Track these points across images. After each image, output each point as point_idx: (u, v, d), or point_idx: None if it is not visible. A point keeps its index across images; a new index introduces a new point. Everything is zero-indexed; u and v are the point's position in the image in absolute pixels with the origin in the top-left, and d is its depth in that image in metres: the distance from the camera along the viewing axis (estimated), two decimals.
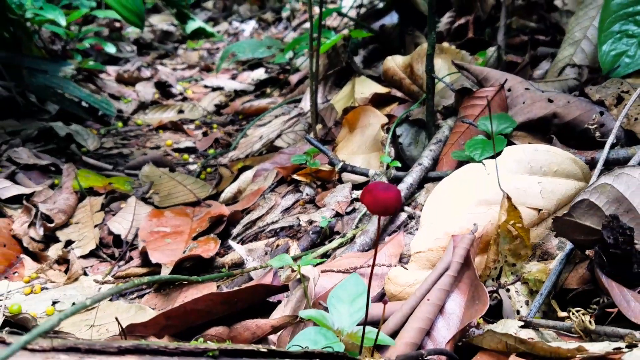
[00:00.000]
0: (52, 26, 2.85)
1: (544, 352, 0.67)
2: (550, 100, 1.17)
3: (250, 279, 1.19)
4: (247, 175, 1.70)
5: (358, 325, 0.74)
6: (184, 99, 3.05)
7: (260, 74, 3.58)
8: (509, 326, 0.78)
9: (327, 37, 2.16)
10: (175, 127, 2.56)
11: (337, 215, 1.24)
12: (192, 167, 2.15)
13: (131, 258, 1.42)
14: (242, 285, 1.20)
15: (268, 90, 3.08)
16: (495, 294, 0.89)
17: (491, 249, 0.90)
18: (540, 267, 0.94)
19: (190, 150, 2.33)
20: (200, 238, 1.42)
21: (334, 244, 1.14)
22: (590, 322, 0.72)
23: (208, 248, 1.34)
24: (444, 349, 0.71)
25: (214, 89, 3.28)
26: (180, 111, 2.80)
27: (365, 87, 1.88)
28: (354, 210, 1.24)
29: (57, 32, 2.90)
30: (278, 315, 0.87)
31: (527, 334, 0.79)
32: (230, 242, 1.27)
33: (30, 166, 1.87)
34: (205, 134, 2.52)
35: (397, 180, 1.27)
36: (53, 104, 2.53)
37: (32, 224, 1.48)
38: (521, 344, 0.68)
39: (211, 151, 2.31)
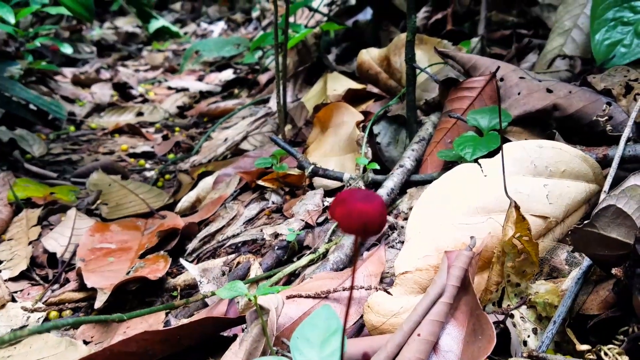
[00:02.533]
0: (1, 25, 2.61)
1: None
2: (549, 91, 1.02)
3: (206, 305, 1.01)
4: (207, 181, 1.51)
5: None
6: (145, 101, 2.84)
7: (228, 75, 3.39)
8: None
9: (296, 31, 1.99)
10: (133, 130, 2.35)
11: (307, 226, 1.06)
12: (148, 174, 1.95)
13: (67, 280, 1.22)
14: (193, 314, 1.01)
15: (236, 91, 2.89)
16: (500, 324, 0.72)
17: (494, 269, 0.74)
18: (550, 287, 0.78)
19: (147, 156, 2.12)
20: (148, 256, 1.22)
21: (303, 261, 0.96)
22: None
23: (157, 268, 1.15)
24: None
25: (178, 91, 3.07)
26: (140, 113, 2.58)
27: (338, 84, 1.72)
28: (326, 220, 1.06)
29: (6, 30, 2.66)
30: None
31: None
32: (183, 262, 1.08)
33: None
34: (165, 138, 2.31)
35: (375, 184, 1.10)
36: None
37: None
38: None
39: (171, 156, 2.11)
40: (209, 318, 0.76)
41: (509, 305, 0.77)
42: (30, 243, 1.33)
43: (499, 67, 1.00)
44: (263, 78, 2.74)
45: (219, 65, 3.65)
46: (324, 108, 1.43)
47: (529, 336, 0.75)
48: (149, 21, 3.52)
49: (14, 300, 1.16)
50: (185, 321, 0.82)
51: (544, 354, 0.68)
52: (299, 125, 1.62)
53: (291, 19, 3.32)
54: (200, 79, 3.45)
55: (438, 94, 1.18)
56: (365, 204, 0.38)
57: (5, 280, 1.19)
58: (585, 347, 0.69)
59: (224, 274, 1.03)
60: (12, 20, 2.65)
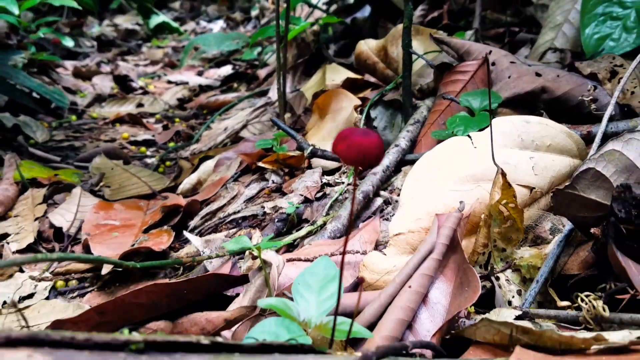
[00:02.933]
0: (3, 15, 2.64)
1: (553, 343, 0.55)
2: (538, 75, 1.08)
3: (206, 270, 1.05)
4: (208, 165, 1.56)
5: (328, 315, 0.61)
6: (145, 93, 2.88)
7: (227, 70, 3.43)
8: (504, 316, 0.67)
9: (295, 24, 2.04)
10: (134, 120, 2.39)
11: (306, 201, 1.11)
12: (149, 161, 1.99)
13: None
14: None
15: (235, 85, 2.94)
16: (484, 282, 0.77)
17: (481, 232, 0.79)
18: (534, 252, 0.83)
19: (148, 144, 2.16)
20: (152, 230, 1.27)
21: (302, 232, 1.01)
22: (604, 308, 0.61)
23: (160, 241, 1.19)
24: (429, 342, 0.59)
25: (178, 84, 3.12)
26: (140, 105, 2.63)
27: (336, 74, 1.77)
28: (324, 195, 1.11)
29: (9, 20, 2.70)
30: (234, 307, 0.73)
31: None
32: (186, 233, 1.12)
33: None
34: (166, 128, 2.35)
35: None
36: (1, 96, 2.33)
37: None
38: (524, 334, 0.57)
39: (171, 144, 2.15)
40: (214, 274, 0.80)
41: (495, 268, 0.83)
42: (36, 219, 1.37)
43: (490, 51, 1.05)
44: (262, 72, 2.79)
45: (218, 61, 3.70)
46: (323, 95, 1.48)
47: (513, 297, 0.80)
48: (149, 17, 3.57)
49: (21, 270, 1.20)
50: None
51: (528, 309, 0.73)
52: (298, 113, 1.67)
53: (290, 14, 3.38)
54: (200, 74, 3.50)
55: (433, 79, 1.23)
56: (363, 138, 0.43)
57: (13, 252, 1.23)
58: (565, 303, 0.74)
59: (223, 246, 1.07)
60: (16, 12, 2.69)
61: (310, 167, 1.33)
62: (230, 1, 5.37)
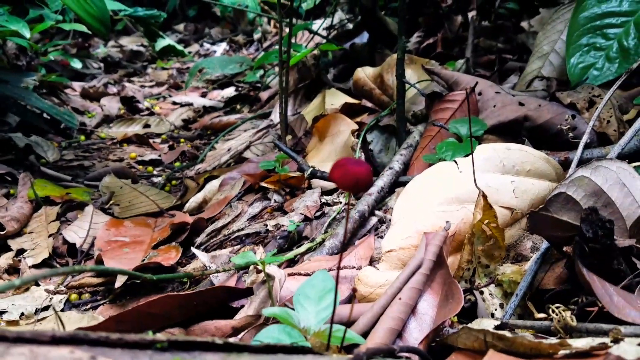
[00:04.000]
0: (15, 38, 2.75)
1: (524, 348, 0.63)
2: (521, 104, 1.16)
3: (212, 284, 1.12)
4: (213, 184, 1.64)
5: (326, 323, 0.69)
6: (151, 114, 2.98)
7: (230, 92, 3.54)
8: (484, 326, 0.74)
9: (297, 51, 2.14)
10: (141, 140, 2.48)
11: (306, 219, 1.18)
12: (156, 180, 2.07)
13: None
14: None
15: (238, 106, 3.04)
16: (469, 296, 0.85)
17: (465, 249, 0.86)
18: (515, 268, 0.91)
19: (155, 163, 2.25)
20: (160, 247, 1.34)
21: (302, 248, 1.08)
22: (571, 318, 0.68)
23: (169, 256, 1.26)
24: (416, 347, 0.66)
25: (183, 105, 3.22)
26: (147, 125, 2.72)
27: (335, 99, 1.86)
28: (323, 214, 1.19)
29: (21, 44, 2.81)
30: (240, 316, 0.80)
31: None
32: (193, 250, 1.20)
33: None
34: (171, 148, 2.44)
35: None
36: (13, 116, 2.43)
37: None
38: (499, 340, 0.64)
39: (177, 164, 2.24)
40: (222, 287, 0.88)
41: (479, 283, 0.90)
42: (50, 236, 1.45)
43: (477, 83, 1.14)
44: (264, 95, 2.89)
45: (221, 83, 3.81)
46: (322, 119, 1.57)
47: (496, 309, 0.88)
48: (155, 40, 3.68)
49: (37, 284, 1.27)
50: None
51: (507, 320, 0.80)
52: (298, 135, 1.75)
53: (292, 41, 3.49)
54: (204, 95, 3.60)
55: (424, 107, 1.32)
56: (357, 166, 0.51)
57: (30, 267, 1.30)
58: (542, 315, 0.82)
59: (230, 260, 1.15)
60: (28, 35, 2.80)
61: (310, 187, 1.41)
62: (233, 24, 5.51)
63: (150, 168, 2.15)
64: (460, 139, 1.11)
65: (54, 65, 3.54)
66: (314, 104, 1.93)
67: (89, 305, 1.21)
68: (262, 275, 0.95)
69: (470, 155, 0.92)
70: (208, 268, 1.15)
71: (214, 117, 2.89)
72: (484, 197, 0.85)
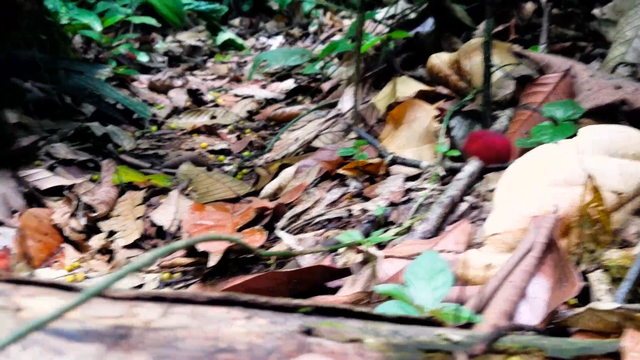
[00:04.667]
0: (87, 31, 2.89)
1: None
2: (617, 87, 1.12)
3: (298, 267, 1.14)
4: (288, 172, 1.66)
5: (442, 302, 0.69)
6: (216, 106, 3.05)
7: (289, 84, 3.58)
8: (605, 307, 0.72)
9: (365, 40, 2.14)
10: (209, 131, 2.55)
11: (392, 204, 1.19)
12: (227, 168, 2.13)
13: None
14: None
15: (299, 98, 3.07)
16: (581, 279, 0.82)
17: (574, 232, 0.84)
18: (623, 253, 0.88)
19: (225, 152, 2.31)
20: (244, 230, 1.38)
21: (391, 233, 1.08)
22: None
23: (254, 239, 1.30)
24: (542, 327, 0.65)
25: (245, 98, 3.28)
26: (213, 117, 2.79)
27: (406, 87, 1.85)
28: (408, 200, 1.19)
29: (92, 37, 2.94)
30: (346, 293, 0.81)
31: None
32: (278, 232, 1.22)
33: (69, 161, 1.86)
34: (239, 138, 2.50)
35: (454, 171, 1.21)
36: (88, 106, 2.54)
37: (72, 215, 1.46)
38: (629, 320, 0.62)
39: (246, 153, 2.28)
40: (321, 266, 0.89)
41: (586, 268, 0.88)
42: (137, 219, 1.51)
43: (571, 66, 1.11)
44: (325, 86, 2.90)
45: (280, 75, 3.85)
46: (398, 106, 1.56)
47: (603, 295, 0.85)
48: (216, 34, 3.78)
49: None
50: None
51: (624, 304, 0.78)
52: (370, 124, 1.75)
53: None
54: (263, 87, 3.65)
55: (512, 91, 1.29)
56: (498, 138, 0.51)
57: (122, 247, 1.37)
58: None
59: (317, 243, 1.17)
60: (99, 28, 2.94)
61: (388, 173, 1.41)
62: (289, 18, 5.56)
63: (221, 157, 2.21)
64: (556, 122, 1.08)
65: (120, 59, 3.68)
66: (384, 92, 1.92)
67: (180, 284, 1.25)
68: (357, 256, 0.96)
69: (575, 137, 0.90)
70: (294, 250, 1.17)
71: (276, 108, 2.92)
72: (592, 180, 0.83)
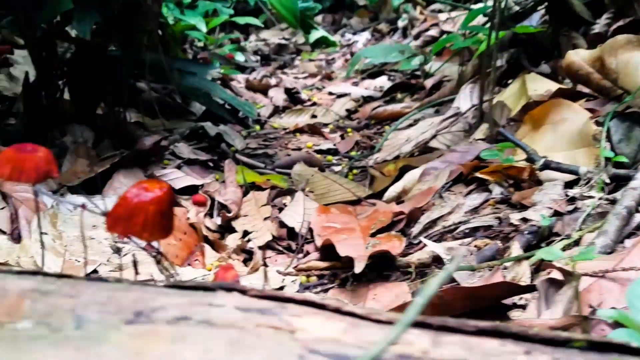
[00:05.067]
0: (193, 32, 2.97)
1: None
2: None
3: (453, 280, 1.09)
4: (414, 174, 1.61)
5: None
6: (314, 104, 3.05)
7: (383, 81, 3.52)
8: None
9: (486, 34, 2.04)
10: (312, 130, 2.54)
11: (556, 214, 1.10)
12: (336, 169, 2.11)
13: (307, 252, 1.37)
14: (443, 288, 1.10)
15: (398, 95, 3.00)
16: None
17: None
18: None
19: (331, 152, 2.29)
20: (379, 235, 1.34)
21: (559, 246, 1.00)
22: None
23: (393, 245, 1.25)
24: None
25: (340, 96, 3.25)
26: (314, 116, 2.79)
27: (538, 84, 1.74)
28: (575, 209, 1.10)
29: (198, 37, 3.02)
30: (541, 315, 0.75)
31: None
32: (423, 240, 1.17)
33: (191, 161, 1.91)
34: (342, 137, 2.47)
35: (619, 178, 1.11)
36: (195, 105, 2.61)
37: (207, 214, 1.48)
38: None
39: (353, 153, 2.26)
40: (505, 282, 0.83)
41: None
42: (265, 219, 1.52)
43: None
44: (428, 83, 2.82)
45: (371, 72, 3.80)
46: (540, 106, 1.46)
47: None
48: (309, 32, 3.77)
49: (265, 265, 1.33)
50: (480, 284, 0.90)
51: None
52: (500, 124, 1.66)
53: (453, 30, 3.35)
54: (355, 85, 3.61)
55: None
56: None
57: (259, 247, 1.37)
58: None
59: (471, 253, 1.11)
60: (204, 29, 3.01)
61: (532, 178, 1.32)
62: (374, 13, 5.49)
63: (329, 157, 2.19)
64: None
65: (218, 59, 3.78)
66: (511, 90, 1.82)
67: (319, 288, 1.24)
68: (526, 271, 0.89)
69: None
70: (445, 260, 1.11)
71: (374, 106, 2.88)
72: None
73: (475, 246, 1.16)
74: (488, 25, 2.60)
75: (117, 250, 1.36)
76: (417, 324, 0.46)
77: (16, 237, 1.34)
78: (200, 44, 3.89)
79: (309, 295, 0.48)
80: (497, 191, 1.30)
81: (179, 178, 1.63)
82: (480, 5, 3.09)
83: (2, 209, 1.42)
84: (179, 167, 1.77)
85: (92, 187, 1.61)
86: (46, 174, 0.52)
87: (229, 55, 3.56)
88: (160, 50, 2.06)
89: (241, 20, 2.96)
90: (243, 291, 0.49)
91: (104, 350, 0.40)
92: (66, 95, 2.03)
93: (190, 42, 3.69)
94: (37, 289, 0.46)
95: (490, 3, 2.92)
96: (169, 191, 0.53)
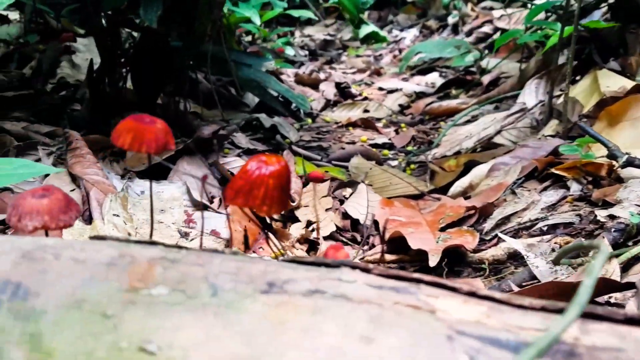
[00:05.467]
0: (247, 24, 2.99)
1: None
2: None
3: (533, 277, 1.05)
4: (481, 169, 1.56)
5: None
6: (365, 99, 3.02)
7: (434, 77, 3.46)
8: None
9: (554, 29, 1.97)
10: (366, 124, 2.52)
11: None
12: (392, 163, 2.07)
13: (372, 244, 1.35)
14: (521, 284, 1.06)
15: (453, 91, 2.94)
16: None
17: None
18: None
19: (386, 146, 2.26)
20: (449, 230, 1.31)
21: None
22: None
23: (465, 240, 1.22)
24: None
25: (390, 91, 3.22)
26: (366, 110, 2.76)
27: (610, 80, 1.66)
28: None
29: (251, 30, 3.04)
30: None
31: None
32: (501, 235, 1.13)
33: (249, 151, 1.91)
34: (397, 132, 2.44)
35: None
36: (248, 97, 2.63)
37: None
38: None
39: (409, 148, 2.22)
40: (601, 279, 0.79)
41: None
42: (326, 210, 1.50)
43: None
44: (486, 79, 2.75)
45: (421, 69, 3.74)
46: (618, 102, 1.39)
47: None
48: (359, 27, 3.75)
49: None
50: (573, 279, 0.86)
51: None
52: (572, 120, 1.59)
53: (516, 25, 3.26)
54: (405, 81, 3.56)
55: None
56: None
57: (324, 238, 1.36)
58: None
59: (553, 250, 1.06)
60: (258, 21, 3.01)
61: (611, 175, 1.26)
62: (423, 9, 5.41)
63: (385, 151, 2.16)
64: None
65: (268, 52, 3.79)
66: (582, 86, 1.75)
67: None
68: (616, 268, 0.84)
69: None
70: (526, 256, 1.07)
71: (428, 102, 2.83)
72: None
73: (556, 243, 1.11)
74: (550, 20, 2.51)
75: (185, 235, 1.37)
76: (561, 311, 0.43)
77: (87, 219, 1.37)
78: (249, 38, 3.93)
79: (436, 278, 0.45)
80: (575, 188, 1.25)
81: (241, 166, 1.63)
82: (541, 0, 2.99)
83: (72, 190, 1.45)
84: (238, 157, 1.78)
85: (156, 173, 1.63)
86: (164, 145, 0.51)
87: (279, 49, 3.57)
88: (223, 41, 2.06)
89: (295, 13, 2.95)
90: (366, 270, 0.47)
91: (243, 317, 0.39)
92: (128, 84, 2.07)
93: (238, 35, 3.72)
94: (164, 257, 0.45)
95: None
96: (287, 165, 0.52)
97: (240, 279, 0.43)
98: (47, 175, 1.47)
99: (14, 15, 3.28)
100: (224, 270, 0.44)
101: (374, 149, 2.23)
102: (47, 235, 0.57)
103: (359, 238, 1.38)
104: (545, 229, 1.19)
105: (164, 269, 0.44)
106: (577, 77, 1.93)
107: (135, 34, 2.40)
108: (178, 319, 0.39)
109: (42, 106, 1.98)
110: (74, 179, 1.47)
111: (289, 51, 3.55)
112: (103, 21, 1.97)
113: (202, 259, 0.46)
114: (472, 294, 0.45)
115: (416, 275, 0.46)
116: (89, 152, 1.52)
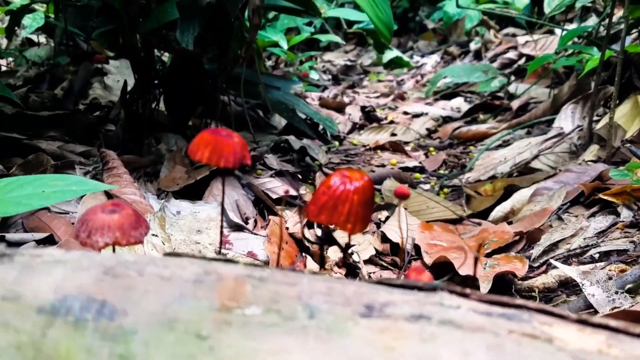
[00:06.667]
0: (274, 49, 3.01)
1: None
2: None
3: (589, 306, 1.00)
4: (523, 194, 1.52)
5: None
6: (391, 123, 3.00)
7: (459, 102, 3.44)
8: None
9: (590, 54, 1.95)
10: (394, 147, 2.49)
11: None
12: (424, 187, 2.04)
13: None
14: (578, 313, 1.01)
15: (481, 116, 2.92)
16: None
17: None
18: None
19: (417, 170, 2.23)
20: (495, 256, 1.26)
21: None
22: None
23: (514, 267, 1.17)
24: None
25: (415, 115, 3.20)
26: (393, 134, 2.74)
27: None
28: None
29: (278, 54, 3.06)
30: None
31: None
32: (555, 263, 1.09)
33: (280, 173, 1.89)
34: (426, 156, 2.41)
35: None
36: (277, 119, 2.63)
37: (306, 225, 1.45)
38: None
39: (441, 171, 2.19)
40: None
41: None
42: (364, 233, 1.47)
43: None
44: (515, 104, 2.72)
45: (445, 93, 3.73)
46: None
47: None
48: (383, 52, 3.76)
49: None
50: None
51: None
52: (615, 145, 1.55)
53: (542, 51, 3.24)
54: (429, 105, 3.55)
55: None
56: None
57: (364, 261, 1.32)
58: None
59: (609, 278, 1.01)
60: (285, 46, 3.03)
61: None
62: (443, 36, 5.43)
63: (417, 175, 2.13)
64: None
65: (294, 76, 3.82)
66: (622, 110, 1.71)
67: None
68: None
69: None
70: (581, 284, 1.02)
71: (456, 127, 2.80)
72: None
73: (610, 270, 1.06)
74: (582, 44, 2.49)
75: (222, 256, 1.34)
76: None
77: None
78: (270, 62, 3.96)
79: (541, 304, 0.42)
80: (625, 214, 1.20)
81: (277, 187, 1.61)
82: (567, 28, 2.99)
83: None
84: (272, 177, 1.76)
85: (190, 193, 1.62)
86: (242, 159, 0.49)
87: (304, 73, 3.59)
88: (256, 64, 2.07)
89: (323, 37, 2.98)
90: (464, 294, 0.44)
91: (348, 343, 0.36)
92: (160, 105, 2.08)
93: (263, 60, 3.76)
94: (251, 275, 0.43)
95: (587, 23, 2.82)
96: (371, 181, 0.49)
97: (335, 301, 0.40)
98: (82, 196, 1.46)
99: (42, 38, 3.36)
100: (316, 290, 0.41)
101: (406, 173, 2.20)
102: (114, 251, 0.54)
103: (399, 262, 1.34)
104: (597, 256, 1.14)
105: (253, 288, 0.41)
106: (617, 102, 1.90)
107: (165, 55, 2.43)
108: (277, 343, 0.36)
109: (77, 126, 1.99)
110: (110, 198, 1.46)
111: (313, 75, 3.57)
112: (139, 42, 1.99)
113: (291, 278, 0.43)
114: (583, 322, 0.41)
115: (519, 301, 0.43)
116: (125, 171, 1.51)
